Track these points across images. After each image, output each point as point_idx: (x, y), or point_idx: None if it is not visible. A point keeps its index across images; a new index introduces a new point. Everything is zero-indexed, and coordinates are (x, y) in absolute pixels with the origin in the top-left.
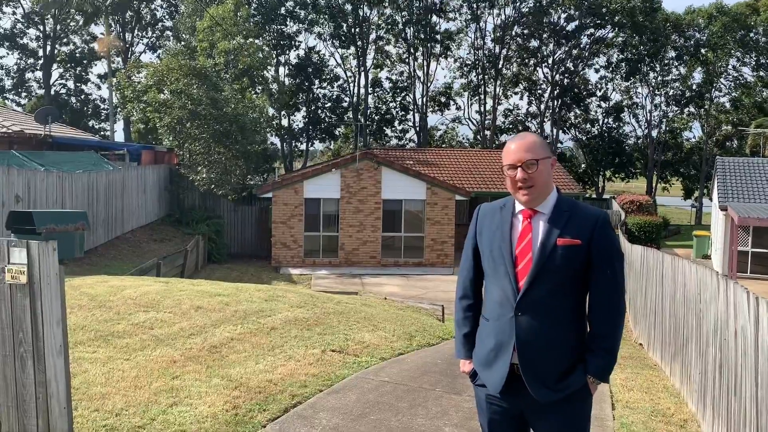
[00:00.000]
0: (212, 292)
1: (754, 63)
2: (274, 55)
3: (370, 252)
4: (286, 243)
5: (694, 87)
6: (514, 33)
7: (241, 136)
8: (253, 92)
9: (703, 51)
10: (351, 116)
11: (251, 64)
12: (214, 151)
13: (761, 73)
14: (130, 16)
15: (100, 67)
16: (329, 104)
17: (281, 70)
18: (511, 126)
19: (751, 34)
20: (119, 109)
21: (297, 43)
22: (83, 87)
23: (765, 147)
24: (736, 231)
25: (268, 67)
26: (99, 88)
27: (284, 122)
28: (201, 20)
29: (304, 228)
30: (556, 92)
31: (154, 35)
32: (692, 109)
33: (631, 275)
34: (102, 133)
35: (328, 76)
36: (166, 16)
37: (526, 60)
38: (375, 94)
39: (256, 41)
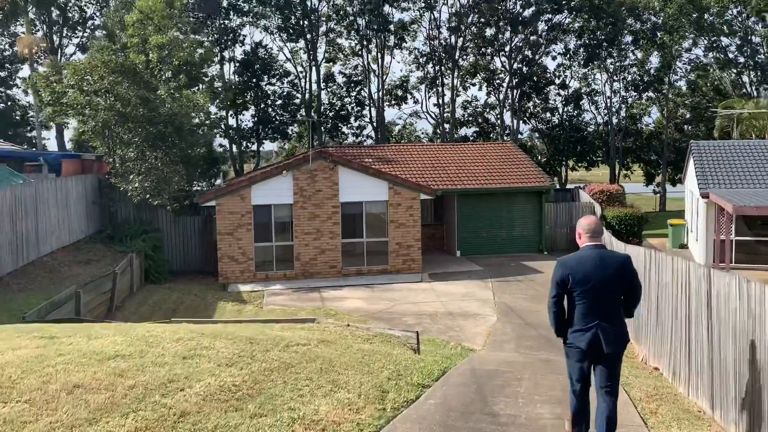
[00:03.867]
0: (107, 353)
1: (709, 45)
2: (216, 52)
3: (329, 261)
4: (233, 256)
5: (651, 72)
6: (469, 21)
7: (178, 138)
8: (193, 91)
9: (659, 34)
10: (304, 113)
11: (189, 60)
12: (151, 157)
13: (718, 55)
14: (57, 15)
15: (27, 70)
16: (280, 101)
17: (227, 67)
18: (470, 118)
19: (706, 16)
20: (42, 114)
21: (242, 38)
22: (7, 92)
23: (734, 129)
24: (728, 220)
25: (211, 64)
26: (26, 93)
27: (232, 122)
28: (130, 14)
29: (253, 238)
30: (514, 81)
31: (85, 35)
32: (651, 94)
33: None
34: (34, 141)
35: (278, 72)
36: (97, 14)
37: (483, 49)
38: (328, 90)
39: (196, 36)
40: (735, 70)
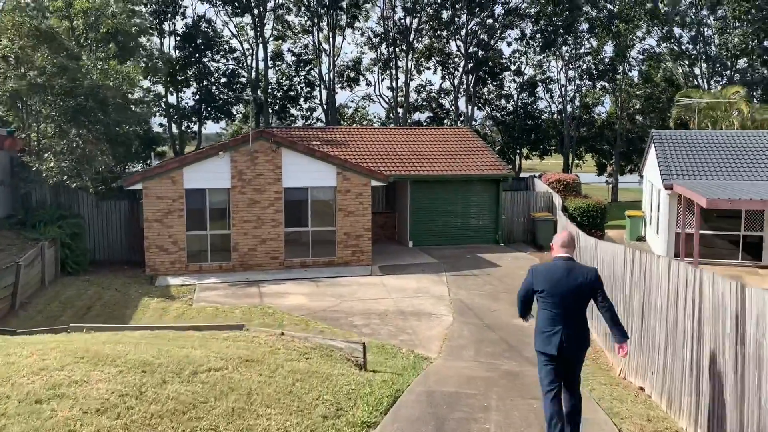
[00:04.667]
0: None
1: (663, 35)
2: (154, 22)
3: (270, 252)
4: (163, 246)
5: (606, 61)
6: (425, 2)
7: (102, 113)
8: (122, 62)
9: (615, 23)
10: (249, 93)
11: (121, 29)
12: (72, 134)
13: (672, 46)
14: None
15: None
16: (224, 79)
17: (167, 41)
18: (424, 103)
19: (660, 6)
20: None
21: (183, 9)
22: None
23: (691, 120)
24: (698, 213)
25: (147, 36)
26: None
27: (172, 100)
28: None
29: (186, 226)
30: (470, 66)
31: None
32: (605, 84)
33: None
34: None
35: (223, 48)
36: None
37: (439, 32)
38: (277, 69)
39: (129, 4)
40: (687, 62)
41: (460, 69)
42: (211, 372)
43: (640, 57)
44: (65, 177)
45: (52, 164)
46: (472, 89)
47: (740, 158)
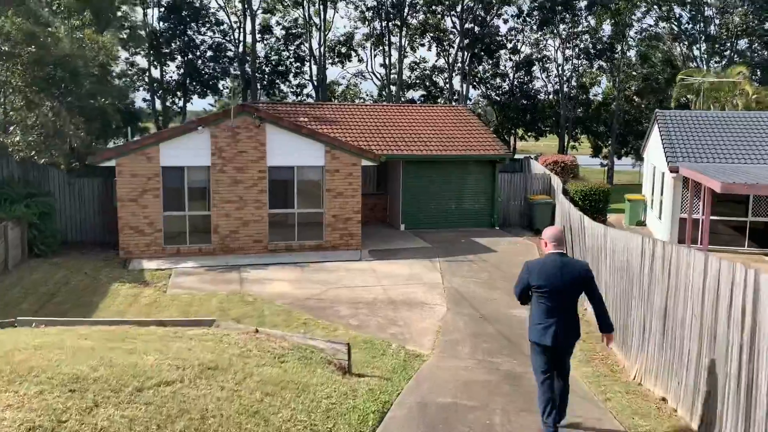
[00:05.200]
0: None
1: (662, 15)
2: None
3: (253, 235)
4: (138, 227)
5: (604, 40)
6: None
7: (74, 85)
8: (96, 31)
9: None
10: (237, 68)
11: None
12: (42, 106)
13: (671, 26)
14: None
15: None
16: (210, 53)
17: (150, 12)
18: (418, 81)
19: None
20: None
21: None
22: None
23: (698, 99)
24: (710, 197)
25: (129, 5)
26: None
27: (156, 74)
28: None
29: (162, 206)
30: (465, 43)
31: None
32: (602, 63)
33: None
34: None
35: (209, 21)
36: None
37: (434, 7)
38: (265, 43)
39: None
40: (686, 42)
41: (455, 46)
42: (161, 387)
43: (639, 37)
44: (33, 152)
45: (17, 138)
46: (467, 67)
47: (748, 140)
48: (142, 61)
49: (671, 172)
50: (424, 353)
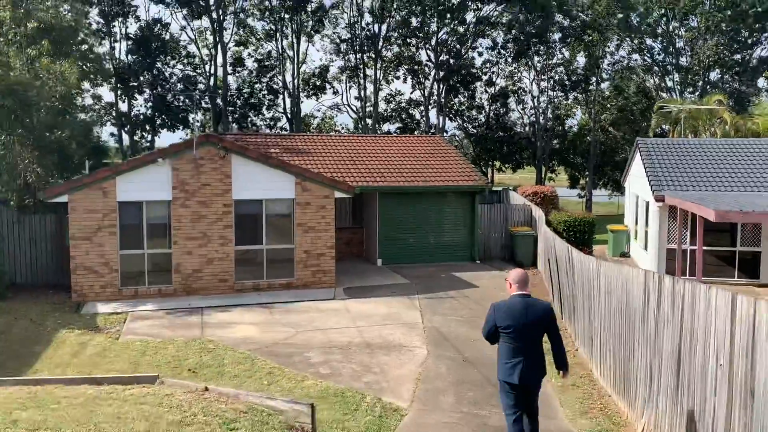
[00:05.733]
0: None
1: (635, 47)
2: (100, 24)
3: (218, 274)
4: (92, 267)
5: (579, 71)
6: (394, 7)
7: (27, 116)
8: (54, 60)
9: (588, 32)
10: (208, 100)
11: (56, 24)
12: None
13: (644, 57)
14: None
15: None
16: (180, 86)
17: (119, 46)
18: (394, 113)
19: (632, 15)
20: None
21: (134, 9)
22: None
23: (672, 130)
24: (701, 226)
25: (93, 39)
26: None
27: (124, 108)
28: None
29: (119, 244)
30: (440, 74)
31: None
32: (577, 95)
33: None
34: None
35: (179, 53)
36: None
37: (408, 40)
38: (237, 75)
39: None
40: (660, 72)
41: (431, 78)
42: None
43: (612, 69)
44: None
45: None
46: (443, 99)
47: (732, 168)
48: (109, 95)
49: (657, 201)
50: (403, 407)
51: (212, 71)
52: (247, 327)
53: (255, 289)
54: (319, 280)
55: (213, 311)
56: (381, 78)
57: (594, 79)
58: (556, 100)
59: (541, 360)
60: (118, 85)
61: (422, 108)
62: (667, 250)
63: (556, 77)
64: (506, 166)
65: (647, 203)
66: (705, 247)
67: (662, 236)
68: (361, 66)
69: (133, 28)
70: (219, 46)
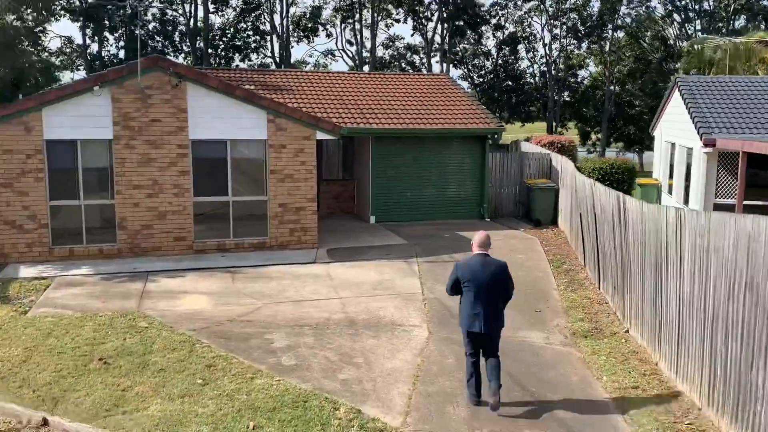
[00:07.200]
0: None
1: None
2: None
3: (173, 230)
4: (15, 221)
5: (593, 17)
6: None
7: None
8: None
9: None
10: (189, 43)
11: None
12: None
13: (665, 1)
14: None
15: None
16: (157, 24)
17: None
18: (393, 60)
19: None
20: None
21: None
22: None
23: (709, 70)
24: (743, 176)
25: None
26: None
27: (95, 48)
28: None
29: (48, 193)
30: (445, 14)
31: None
32: (591, 44)
33: None
34: None
35: None
36: None
37: None
38: (221, 14)
39: None
40: (680, 18)
41: (434, 20)
42: None
43: (630, 13)
44: None
45: None
46: (447, 43)
47: None
48: (79, 36)
49: (705, 146)
50: (392, 426)
51: (192, 10)
52: (198, 297)
53: (219, 249)
54: (297, 239)
55: (161, 277)
56: (378, 19)
57: (609, 26)
58: (568, 48)
59: (500, 313)
60: (86, 23)
61: (423, 55)
62: (714, 206)
63: (569, 23)
64: (514, 117)
65: (690, 151)
66: (753, 202)
67: (710, 188)
68: (358, 6)
69: None
70: None
